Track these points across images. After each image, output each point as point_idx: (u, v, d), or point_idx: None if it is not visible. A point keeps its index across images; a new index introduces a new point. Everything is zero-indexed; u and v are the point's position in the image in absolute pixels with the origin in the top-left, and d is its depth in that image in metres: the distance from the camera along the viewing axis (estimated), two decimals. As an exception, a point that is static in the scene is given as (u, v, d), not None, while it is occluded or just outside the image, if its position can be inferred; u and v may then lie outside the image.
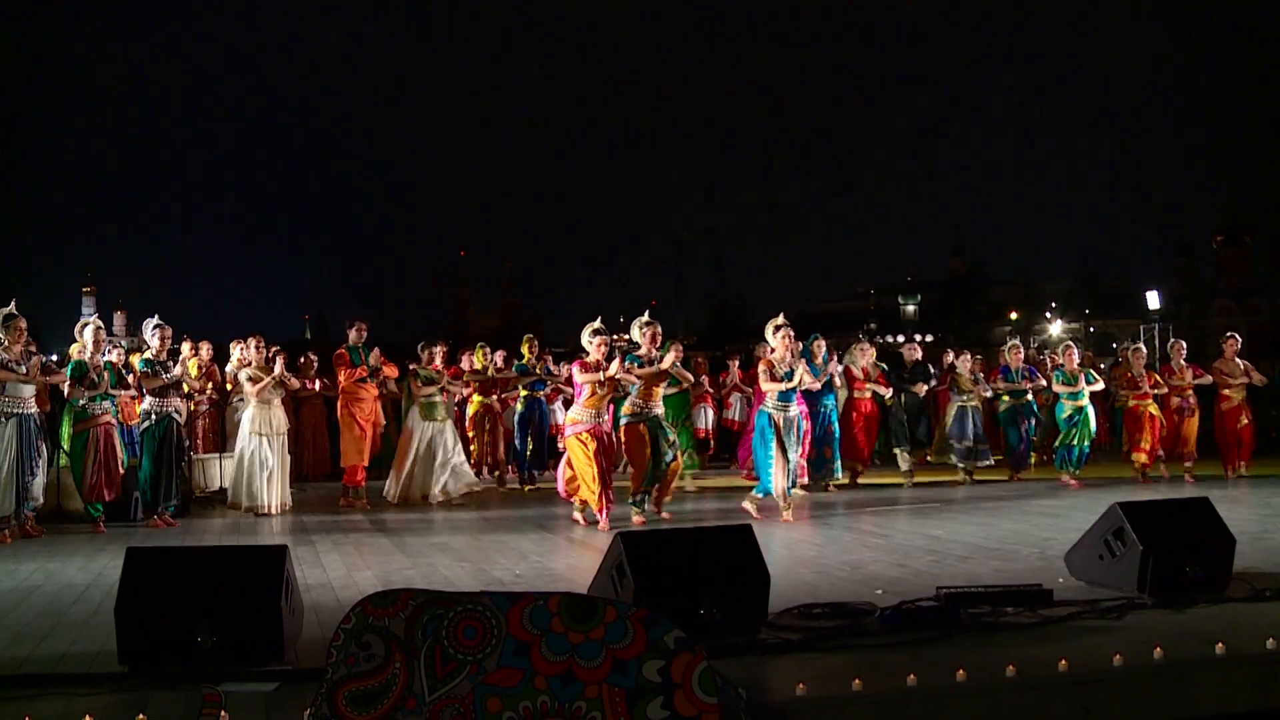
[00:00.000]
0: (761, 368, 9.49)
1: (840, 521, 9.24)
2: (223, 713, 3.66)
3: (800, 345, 10.12)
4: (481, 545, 8.06)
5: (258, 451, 10.13)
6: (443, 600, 3.09)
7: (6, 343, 8.43)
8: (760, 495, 9.33)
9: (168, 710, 3.76)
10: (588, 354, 9.24)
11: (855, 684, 3.95)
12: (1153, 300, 25.51)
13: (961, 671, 4.07)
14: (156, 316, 9.62)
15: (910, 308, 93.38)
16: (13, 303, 8.57)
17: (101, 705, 3.84)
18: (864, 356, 12.21)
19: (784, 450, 9.12)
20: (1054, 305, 66.11)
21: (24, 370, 8.37)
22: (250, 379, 10.35)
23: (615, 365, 8.87)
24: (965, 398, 12.28)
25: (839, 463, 11.38)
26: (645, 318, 9.66)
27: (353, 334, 10.93)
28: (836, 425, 11.44)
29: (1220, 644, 4.41)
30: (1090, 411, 11.90)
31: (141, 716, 3.56)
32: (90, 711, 3.68)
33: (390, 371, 11.09)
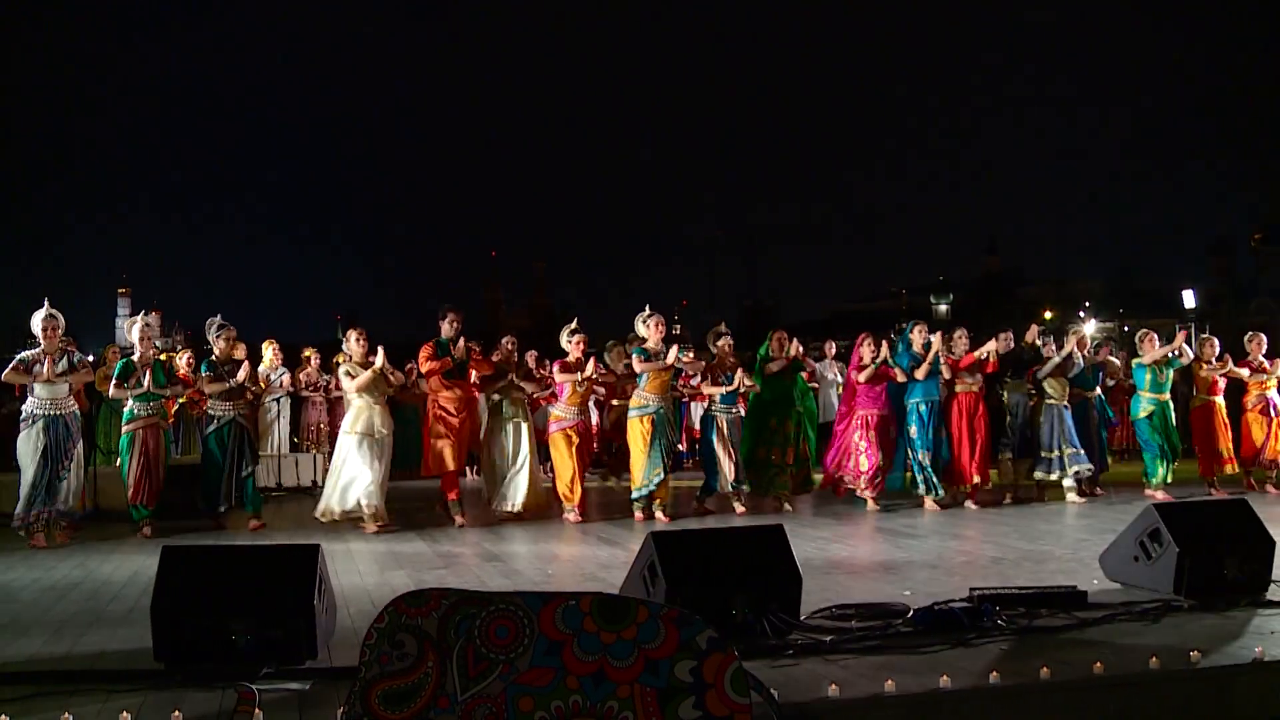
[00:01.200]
0: (703, 373, 9.92)
1: (872, 521, 9.20)
2: (257, 710, 3.69)
3: (796, 345, 10.03)
4: (513, 546, 8.08)
5: (354, 455, 8.99)
6: (475, 600, 3.10)
7: (42, 342, 8.32)
8: (708, 494, 9.88)
9: (203, 707, 3.79)
10: (568, 354, 9.71)
11: (888, 685, 3.93)
12: (1188, 299, 25.21)
13: (995, 674, 4.05)
14: (219, 316, 9.32)
15: (942, 307, 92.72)
16: (46, 301, 8.46)
17: (138, 702, 3.87)
18: (960, 344, 10.40)
19: (727, 449, 9.63)
20: (1087, 305, 65.58)
21: (42, 371, 8.21)
22: (348, 374, 9.34)
23: (590, 366, 9.40)
24: (1052, 396, 10.50)
25: (926, 475, 9.94)
26: (648, 310, 9.85)
27: (445, 326, 9.62)
28: (920, 426, 9.92)
29: (1259, 648, 4.36)
30: (1171, 408, 10.85)
31: (177, 713, 3.59)
32: (127, 708, 3.72)
33: (483, 369, 9.72)
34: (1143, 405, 10.83)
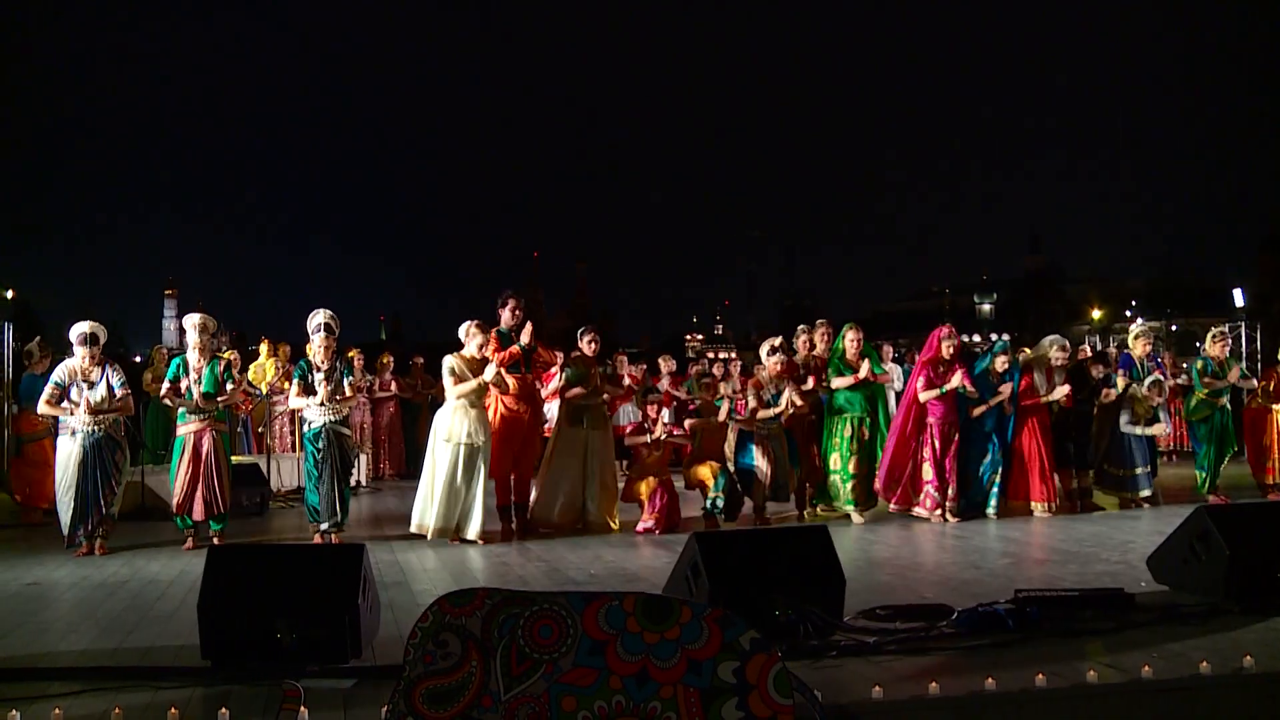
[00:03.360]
0: (751, 391, 9.28)
1: (914, 522, 9.13)
2: (302, 708, 3.72)
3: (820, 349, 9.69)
4: (555, 546, 8.10)
5: (446, 464, 8.18)
6: (518, 599, 3.11)
7: (79, 361, 7.84)
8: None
9: (249, 704, 3.83)
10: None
11: (932, 687, 3.91)
12: (1238, 298, 24.83)
13: (1041, 676, 4.01)
14: (324, 313, 8.33)
15: (986, 306, 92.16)
16: (86, 323, 7.96)
17: (185, 698, 3.92)
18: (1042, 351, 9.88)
19: (769, 459, 9.07)
20: (1134, 303, 64.83)
21: (78, 402, 7.75)
22: (452, 371, 8.35)
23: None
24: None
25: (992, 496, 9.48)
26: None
27: (505, 314, 8.95)
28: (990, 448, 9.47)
29: (1311, 652, 4.30)
30: (1229, 412, 10.38)
31: (224, 710, 3.63)
32: (175, 704, 3.76)
33: (549, 356, 9.10)
34: (1196, 409, 10.43)
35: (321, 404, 8.20)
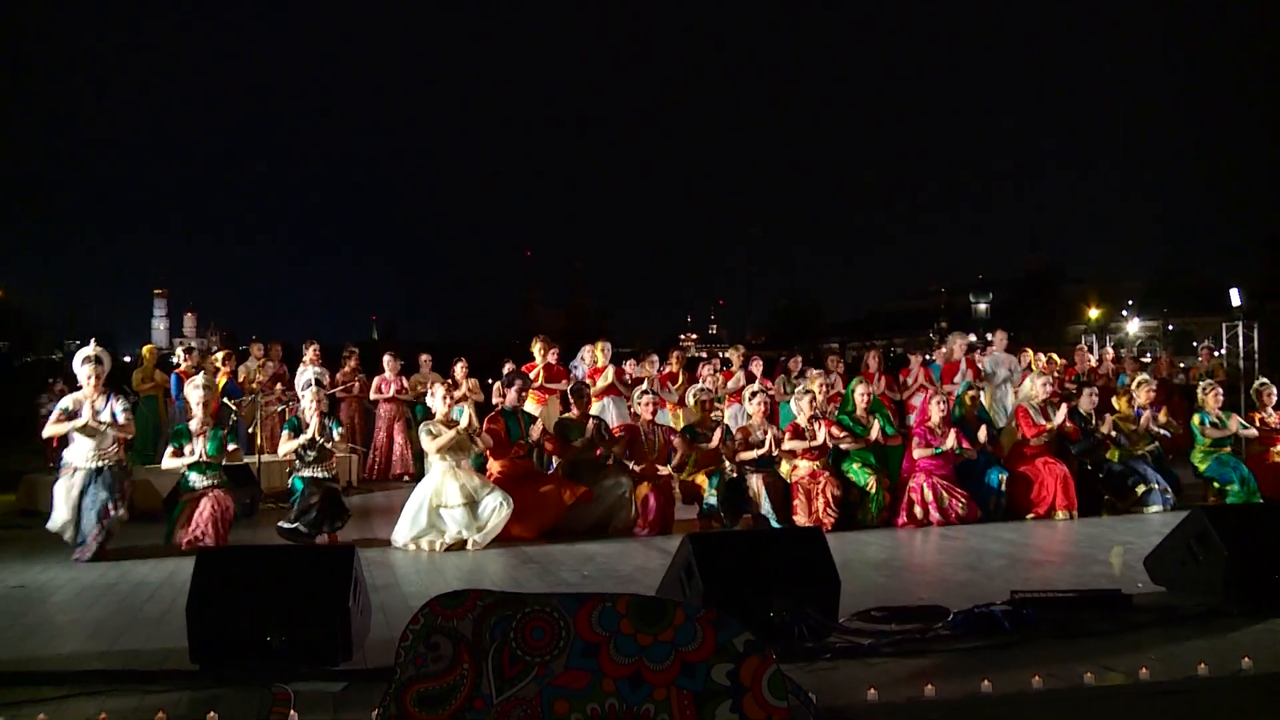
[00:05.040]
0: (738, 436, 9.16)
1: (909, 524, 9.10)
2: (292, 711, 3.71)
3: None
4: (548, 547, 8.08)
5: (442, 484, 8.17)
6: (510, 601, 3.10)
7: (84, 386, 7.66)
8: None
9: (238, 708, 3.83)
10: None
11: (928, 690, 3.91)
12: (1235, 297, 24.86)
13: (1037, 678, 4.02)
14: (90, 348, 7.82)
15: (982, 306, 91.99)
16: (93, 341, 7.89)
17: (173, 701, 3.92)
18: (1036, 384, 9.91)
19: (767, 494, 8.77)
20: (1130, 303, 64.89)
21: (82, 423, 7.53)
22: (429, 433, 8.34)
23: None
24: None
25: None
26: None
27: (511, 395, 9.03)
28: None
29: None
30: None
31: (213, 714, 3.62)
32: (163, 708, 3.76)
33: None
34: (1203, 459, 10.22)
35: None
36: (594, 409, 11.46)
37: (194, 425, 8.17)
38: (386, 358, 13.38)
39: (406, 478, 12.75)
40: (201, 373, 8.68)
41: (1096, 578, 6.28)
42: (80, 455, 7.63)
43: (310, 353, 13.03)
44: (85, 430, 7.58)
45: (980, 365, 12.38)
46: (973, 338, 15.55)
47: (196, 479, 8.04)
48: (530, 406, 11.50)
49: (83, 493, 7.54)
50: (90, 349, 7.80)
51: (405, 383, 13.20)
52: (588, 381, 11.06)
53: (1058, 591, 5.48)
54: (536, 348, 12.09)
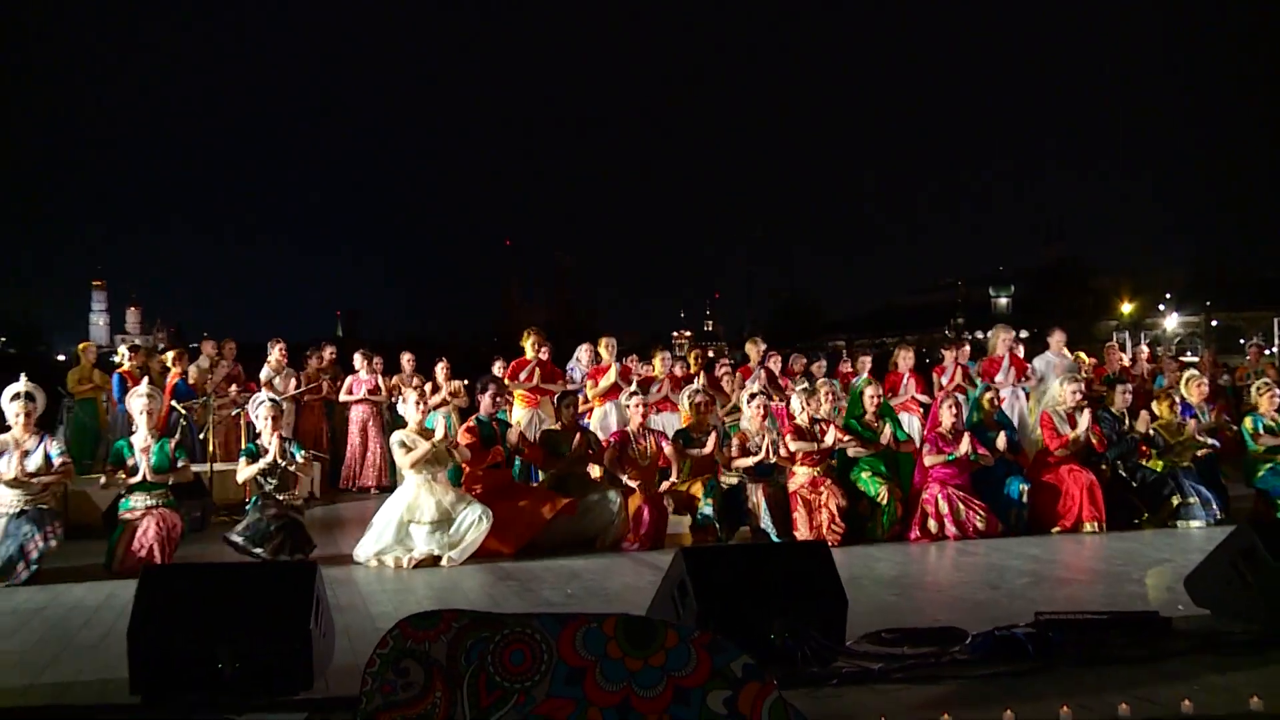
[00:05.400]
0: (735, 442, 9.17)
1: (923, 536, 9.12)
2: (247, 745, 3.70)
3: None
4: (528, 563, 8.06)
5: (416, 499, 8.20)
6: (488, 622, 3.10)
7: (12, 426, 7.57)
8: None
9: (187, 742, 3.81)
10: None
11: (943, 719, 3.91)
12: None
13: (1065, 708, 4.01)
14: (19, 384, 7.72)
15: (1002, 300, 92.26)
16: (23, 376, 7.78)
17: (115, 736, 3.89)
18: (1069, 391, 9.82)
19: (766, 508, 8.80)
20: (1169, 296, 65.05)
21: (8, 470, 7.39)
22: (403, 444, 8.35)
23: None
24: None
25: None
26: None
27: (485, 401, 9.06)
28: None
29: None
30: None
31: (159, 748, 3.61)
32: (102, 744, 3.73)
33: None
34: (1256, 469, 10.06)
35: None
36: (596, 416, 11.46)
37: (136, 440, 8.03)
38: (357, 356, 13.29)
39: (374, 490, 12.72)
40: (146, 380, 8.52)
41: (1130, 598, 6.29)
42: (2, 502, 7.48)
43: (276, 353, 12.95)
44: (10, 483, 7.44)
45: (1030, 367, 12.12)
46: (1024, 333, 15.27)
47: (139, 499, 7.92)
48: (519, 411, 11.50)
49: (4, 533, 7.34)
50: (20, 384, 7.67)
51: (381, 382, 13.11)
52: (580, 386, 11.05)
53: (1087, 613, 5.49)
54: (528, 342, 11.96)
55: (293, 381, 12.76)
